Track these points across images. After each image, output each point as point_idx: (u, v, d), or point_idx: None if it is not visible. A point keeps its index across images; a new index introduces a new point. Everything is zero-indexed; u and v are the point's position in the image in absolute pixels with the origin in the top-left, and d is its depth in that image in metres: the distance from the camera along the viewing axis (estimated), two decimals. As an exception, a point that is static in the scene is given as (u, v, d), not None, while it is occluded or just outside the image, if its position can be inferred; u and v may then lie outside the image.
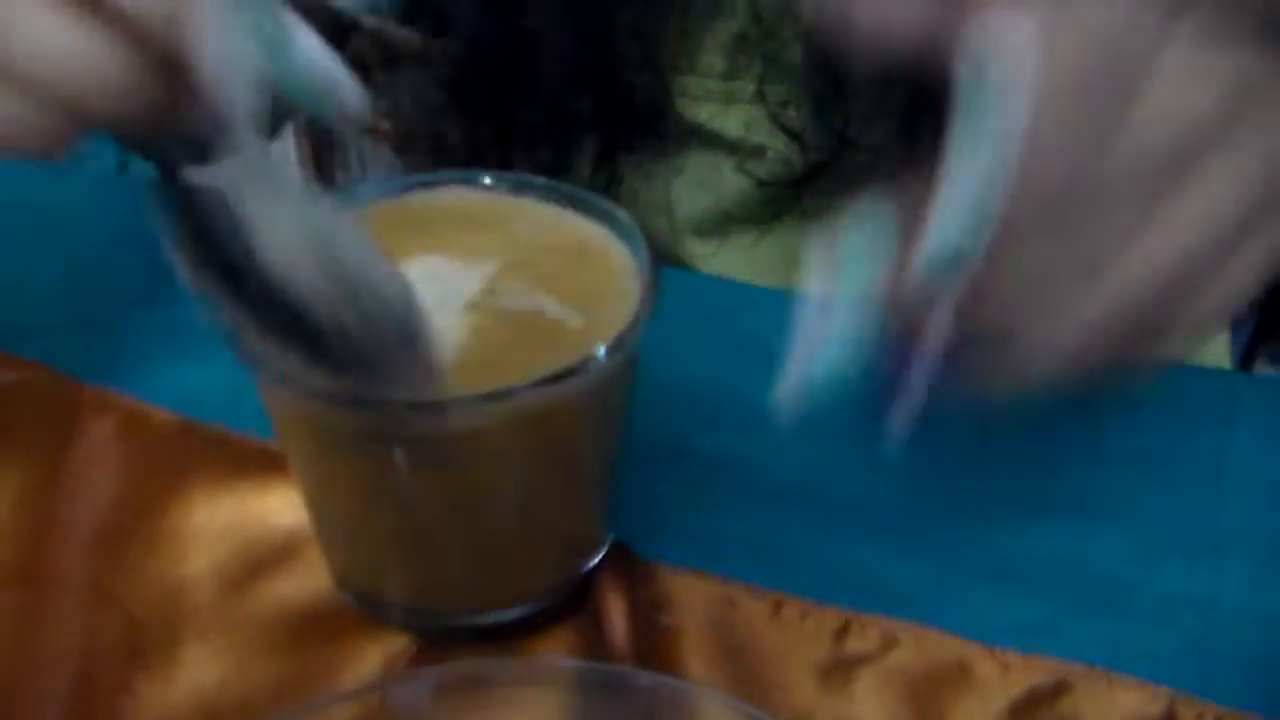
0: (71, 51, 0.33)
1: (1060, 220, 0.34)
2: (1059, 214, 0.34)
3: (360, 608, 0.44)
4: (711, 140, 0.65)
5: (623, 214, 0.42)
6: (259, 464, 0.48)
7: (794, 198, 0.63)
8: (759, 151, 0.64)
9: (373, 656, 0.43)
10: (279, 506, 0.47)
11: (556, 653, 0.42)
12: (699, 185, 0.67)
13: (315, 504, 0.43)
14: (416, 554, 0.42)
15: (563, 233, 0.43)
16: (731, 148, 0.65)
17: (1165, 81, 0.34)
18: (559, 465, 0.40)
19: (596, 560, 0.44)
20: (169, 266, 0.48)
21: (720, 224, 0.66)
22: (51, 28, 0.33)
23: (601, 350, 0.38)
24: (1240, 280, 0.36)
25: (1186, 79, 0.34)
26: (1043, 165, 0.33)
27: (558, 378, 0.37)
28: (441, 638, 0.43)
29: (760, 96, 0.62)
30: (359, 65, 0.59)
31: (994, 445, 0.49)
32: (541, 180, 0.44)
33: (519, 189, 0.44)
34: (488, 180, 0.44)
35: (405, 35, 0.67)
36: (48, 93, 0.33)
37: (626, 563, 0.44)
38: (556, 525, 0.42)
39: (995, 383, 0.36)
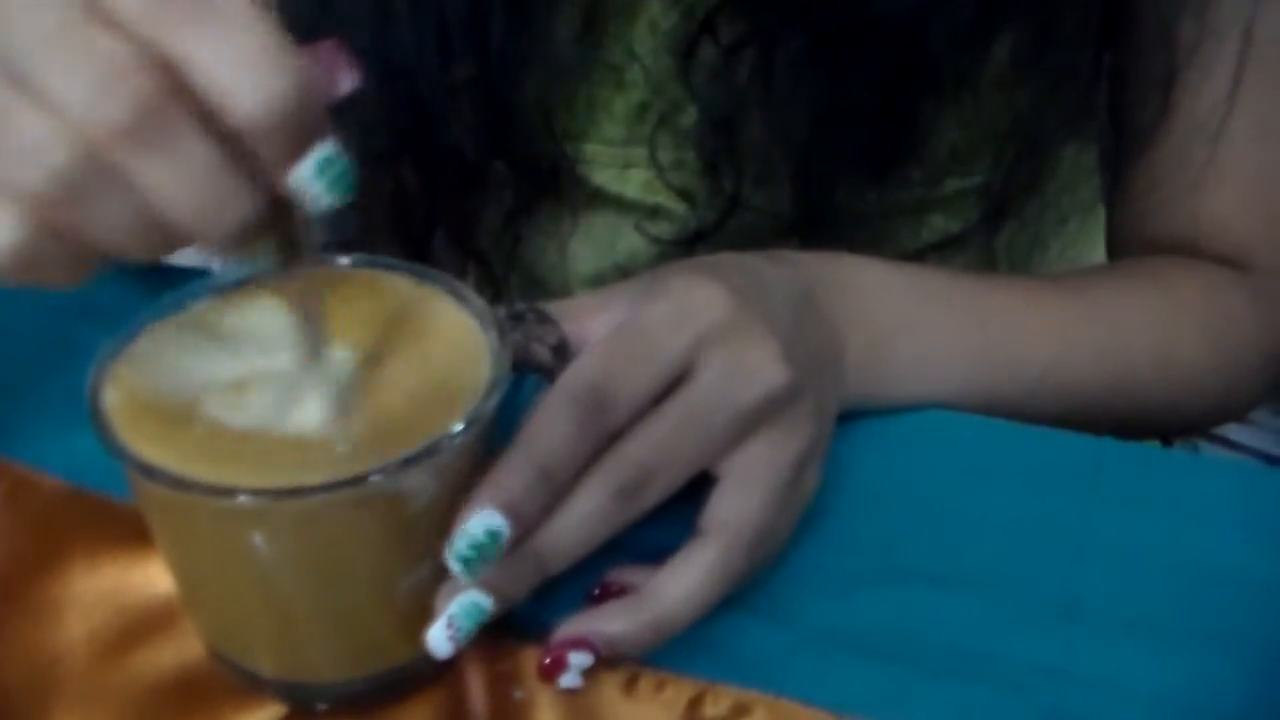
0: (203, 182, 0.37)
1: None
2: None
3: (231, 676, 0.46)
4: (611, 203, 0.68)
5: (468, 290, 0.45)
6: (142, 532, 0.49)
7: (687, 255, 0.66)
8: (655, 212, 0.67)
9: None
10: (157, 574, 0.49)
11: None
12: (598, 244, 0.69)
13: (182, 579, 0.45)
14: (280, 628, 0.44)
15: (422, 310, 0.45)
16: (630, 209, 0.67)
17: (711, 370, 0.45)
18: (412, 540, 0.42)
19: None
20: (62, 335, 0.51)
21: (616, 281, 0.69)
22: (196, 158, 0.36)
23: (455, 428, 0.40)
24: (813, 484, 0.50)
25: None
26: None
27: (410, 460, 0.39)
28: (310, 706, 0.45)
29: (654, 160, 0.64)
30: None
31: (849, 513, 0.51)
32: (401, 261, 0.46)
33: (381, 269, 0.46)
34: (346, 261, 0.46)
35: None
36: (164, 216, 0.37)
37: (486, 635, 0.46)
38: (413, 600, 0.44)
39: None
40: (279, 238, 0.40)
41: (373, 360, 0.43)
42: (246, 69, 0.35)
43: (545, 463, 0.43)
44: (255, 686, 0.45)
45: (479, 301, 0.45)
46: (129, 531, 0.50)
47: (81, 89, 0.35)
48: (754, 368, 0.46)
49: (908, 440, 0.55)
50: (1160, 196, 0.66)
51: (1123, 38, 0.66)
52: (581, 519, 0.43)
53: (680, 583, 0.45)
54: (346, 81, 0.39)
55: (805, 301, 0.52)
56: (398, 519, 0.41)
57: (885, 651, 0.48)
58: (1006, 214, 0.67)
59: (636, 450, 0.44)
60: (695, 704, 0.46)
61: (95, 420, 0.41)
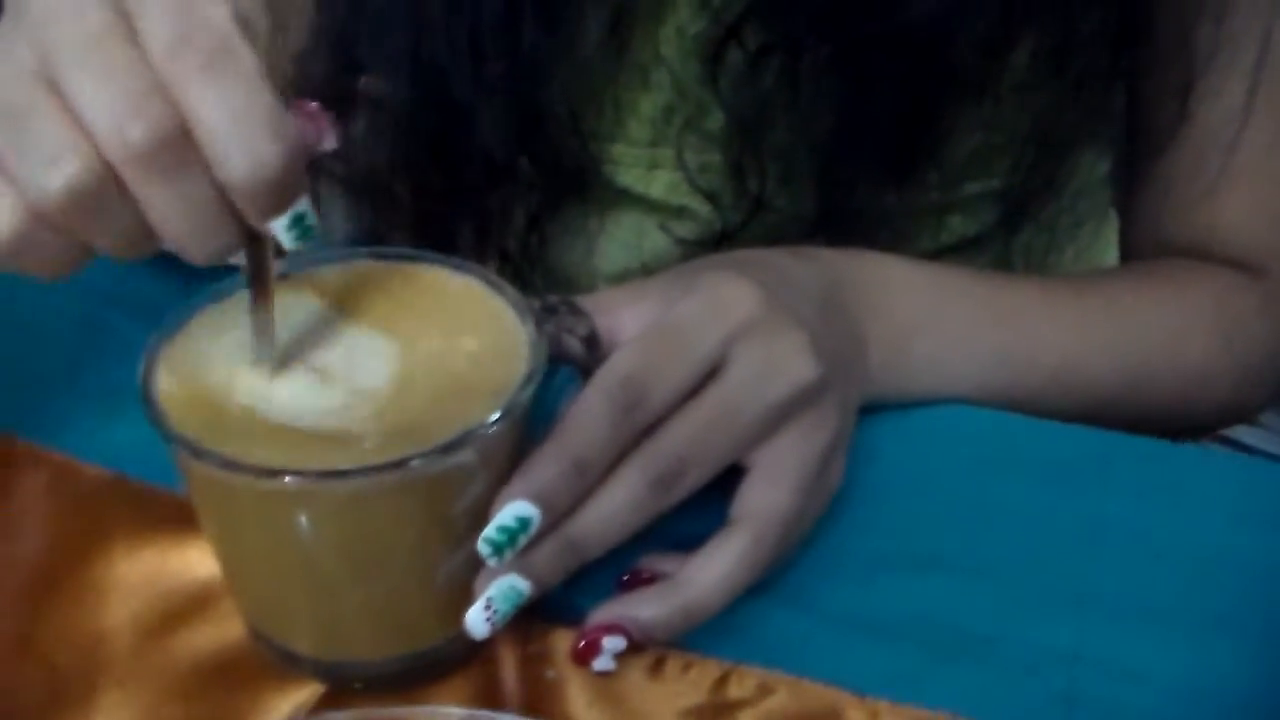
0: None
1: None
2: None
3: (271, 656, 0.48)
4: (637, 203, 0.70)
5: (509, 287, 0.47)
6: (181, 518, 0.52)
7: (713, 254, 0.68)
8: (680, 213, 0.69)
9: (282, 703, 0.47)
10: (197, 559, 0.51)
11: (452, 701, 0.47)
12: (624, 244, 0.71)
13: (226, 561, 0.47)
14: (321, 607, 0.46)
15: (458, 306, 0.47)
16: (655, 209, 0.70)
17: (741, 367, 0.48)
18: (451, 525, 0.44)
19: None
20: (100, 326, 0.53)
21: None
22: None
23: (491, 417, 0.42)
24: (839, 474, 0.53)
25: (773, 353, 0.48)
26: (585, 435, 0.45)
27: (449, 447, 0.41)
28: (346, 686, 0.47)
29: (680, 162, 0.66)
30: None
31: (870, 502, 0.53)
32: (436, 254, 0.48)
33: (417, 262, 0.48)
34: (385, 253, 0.49)
35: (363, 82, 0.71)
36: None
37: (519, 619, 0.48)
38: (450, 582, 0.46)
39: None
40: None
41: (413, 350, 0.45)
42: (243, 132, 0.38)
43: (579, 455, 0.45)
44: (294, 666, 0.48)
45: (514, 293, 0.47)
46: (169, 518, 0.53)
47: (110, 103, 0.38)
48: (784, 362, 0.48)
49: (926, 433, 0.57)
50: (1174, 201, 0.68)
51: (1141, 45, 0.68)
52: (617, 508, 0.46)
53: (711, 570, 0.47)
54: (329, 141, 0.42)
55: (830, 297, 0.54)
56: (436, 504, 0.43)
57: (903, 635, 0.50)
58: (1024, 217, 0.69)
59: (671, 443, 0.46)
60: (720, 684, 0.48)
61: (146, 405, 0.43)
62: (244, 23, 0.39)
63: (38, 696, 0.47)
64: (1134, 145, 0.71)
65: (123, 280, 0.48)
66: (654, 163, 0.68)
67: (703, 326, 0.47)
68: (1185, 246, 0.68)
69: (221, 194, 0.40)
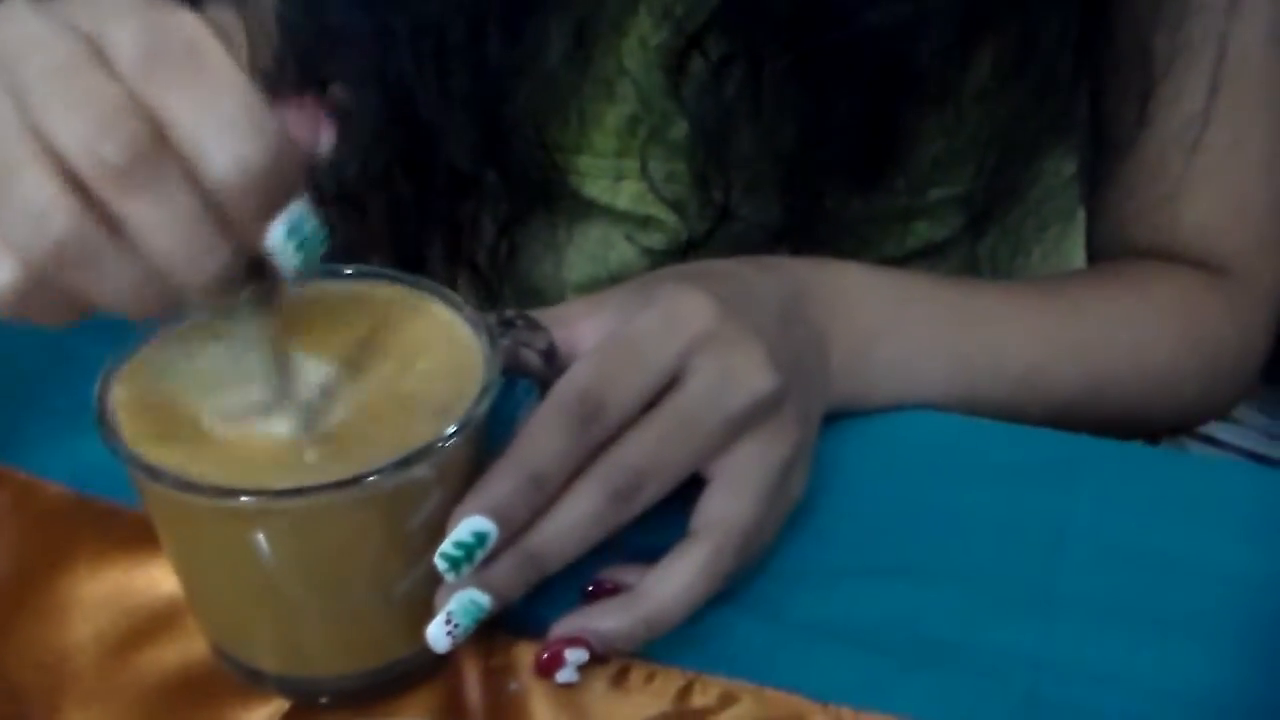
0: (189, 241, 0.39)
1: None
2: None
3: (235, 673, 0.48)
4: (603, 213, 0.70)
5: (465, 303, 0.48)
6: (143, 536, 0.52)
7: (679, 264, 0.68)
8: (646, 223, 0.70)
9: (248, 716, 0.47)
10: (160, 576, 0.52)
11: (416, 714, 0.47)
12: (591, 255, 0.72)
13: (186, 579, 0.48)
14: (282, 624, 0.46)
15: (414, 319, 0.48)
16: (621, 220, 0.70)
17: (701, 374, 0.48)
18: (409, 541, 0.45)
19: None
20: (64, 347, 0.53)
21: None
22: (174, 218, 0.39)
23: (447, 432, 0.43)
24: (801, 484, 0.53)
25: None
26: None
27: (404, 462, 0.42)
28: (311, 702, 0.48)
29: (645, 173, 0.67)
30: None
31: (832, 510, 0.54)
32: (394, 272, 0.49)
33: (373, 280, 0.49)
34: (348, 271, 0.49)
35: (330, 91, 0.72)
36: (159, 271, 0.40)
37: (482, 632, 0.48)
38: (410, 597, 0.46)
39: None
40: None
41: (368, 366, 0.46)
42: (223, 131, 0.38)
43: (536, 468, 0.45)
44: (258, 683, 0.48)
45: (470, 309, 0.47)
46: (132, 536, 0.53)
47: (80, 128, 0.37)
48: (741, 374, 0.48)
49: (888, 439, 0.58)
50: (1139, 204, 0.69)
51: (1101, 52, 0.68)
52: (576, 521, 0.46)
53: (672, 581, 0.48)
54: (325, 138, 0.41)
55: (791, 306, 0.55)
56: (394, 519, 0.44)
57: (866, 642, 0.50)
58: (989, 221, 0.70)
59: (629, 455, 0.47)
60: (684, 694, 0.48)
61: (101, 426, 0.44)
62: (216, 25, 0.39)
63: (1, 716, 0.47)
64: (1097, 149, 0.72)
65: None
66: (619, 173, 0.69)
67: (659, 338, 0.48)
68: (1150, 248, 0.69)
69: (209, 207, 0.39)
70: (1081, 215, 0.77)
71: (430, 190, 0.71)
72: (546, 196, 0.70)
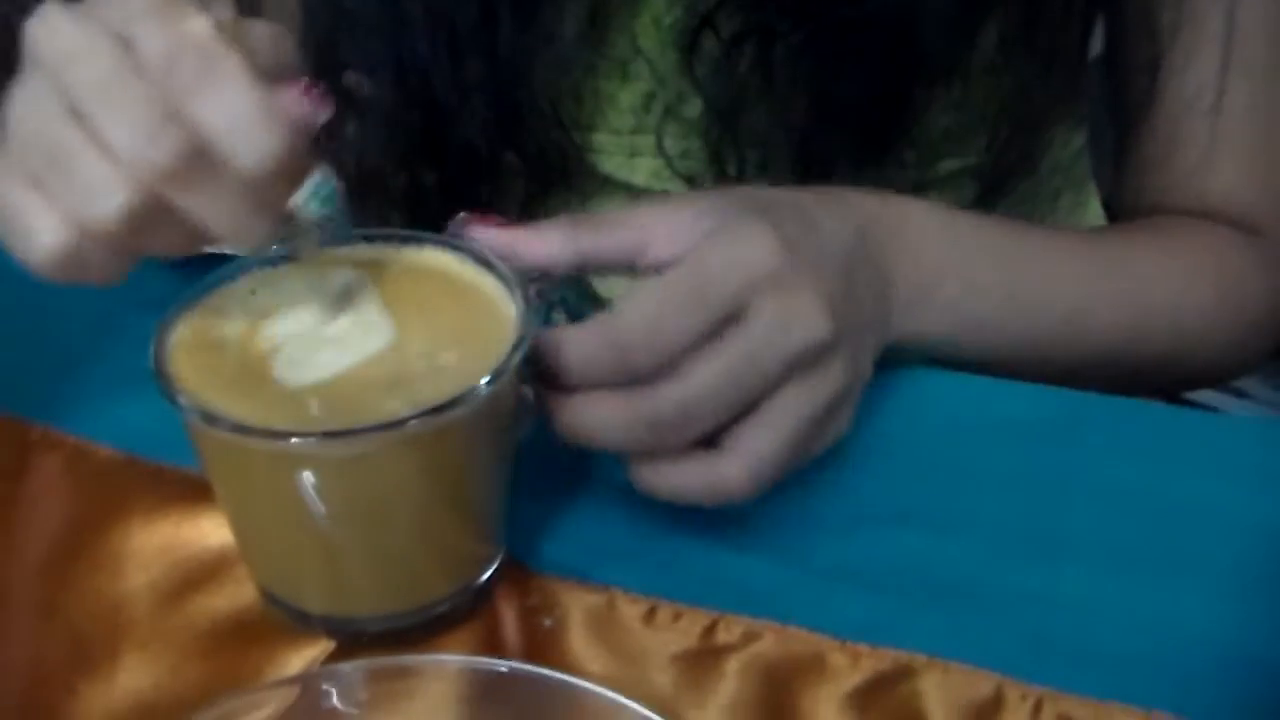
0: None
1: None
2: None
3: (282, 616, 0.52)
4: (620, 189, 0.74)
5: (498, 261, 0.51)
6: (192, 493, 0.56)
7: None
8: (663, 198, 0.73)
9: (294, 659, 0.51)
10: (209, 530, 0.55)
11: (456, 652, 0.50)
12: None
13: (237, 523, 0.51)
14: (328, 565, 0.50)
15: (453, 280, 0.52)
16: (638, 196, 0.74)
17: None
18: (449, 484, 0.49)
19: (490, 572, 0.52)
20: (111, 318, 0.57)
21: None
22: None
23: (483, 380, 0.46)
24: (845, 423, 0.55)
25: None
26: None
27: (443, 407, 0.45)
28: (355, 642, 0.51)
29: (660, 149, 0.71)
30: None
31: (848, 463, 0.57)
32: (435, 235, 0.53)
33: (417, 242, 0.53)
34: (393, 235, 0.53)
35: (354, 81, 0.75)
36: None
37: (518, 573, 0.52)
38: (450, 539, 0.50)
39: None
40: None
41: (415, 321, 0.50)
42: (240, 131, 0.44)
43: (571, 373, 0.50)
44: (304, 624, 0.51)
45: (506, 269, 0.51)
46: (181, 493, 0.57)
47: (132, 136, 0.44)
48: (799, 319, 0.51)
49: (905, 395, 0.62)
50: (1165, 173, 0.72)
51: (1108, 24, 0.72)
52: (611, 429, 0.50)
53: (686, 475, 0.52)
54: (323, 112, 0.47)
55: (856, 246, 0.56)
56: (435, 461, 0.48)
57: (882, 585, 0.54)
58: (1000, 193, 0.73)
59: (682, 391, 0.49)
60: (709, 631, 0.52)
61: (159, 378, 0.47)
62: (221, 28, 0.45)
63: (63, 659, 0.51)
64: (1115, 121, 0.76)
65: (133, 278, 0.52)
66: (635, 150, 0.72)
67: (724, 275, 0.50)
68: (1180, 212, 0.72)
69: (245, 188, 0.45)
70: (1091, 185, 0.81)
71: (451, 172, 0.75)
72: (565, 174, 0.74)
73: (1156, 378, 0.69)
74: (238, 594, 0.53)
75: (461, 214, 0.53)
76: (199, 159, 0.45)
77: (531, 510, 0.55)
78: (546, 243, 0.52)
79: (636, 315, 0.49)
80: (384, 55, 0.71)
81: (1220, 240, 0.70)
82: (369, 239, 0.53)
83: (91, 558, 0.55)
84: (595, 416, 0.50)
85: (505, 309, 0.50)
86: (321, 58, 0.73)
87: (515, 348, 0.48)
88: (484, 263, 0.52)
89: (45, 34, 0.46)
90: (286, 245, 0.50)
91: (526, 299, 0.50)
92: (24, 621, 0.52)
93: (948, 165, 0.72)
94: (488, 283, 0.51)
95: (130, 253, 0.48)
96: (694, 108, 0.70)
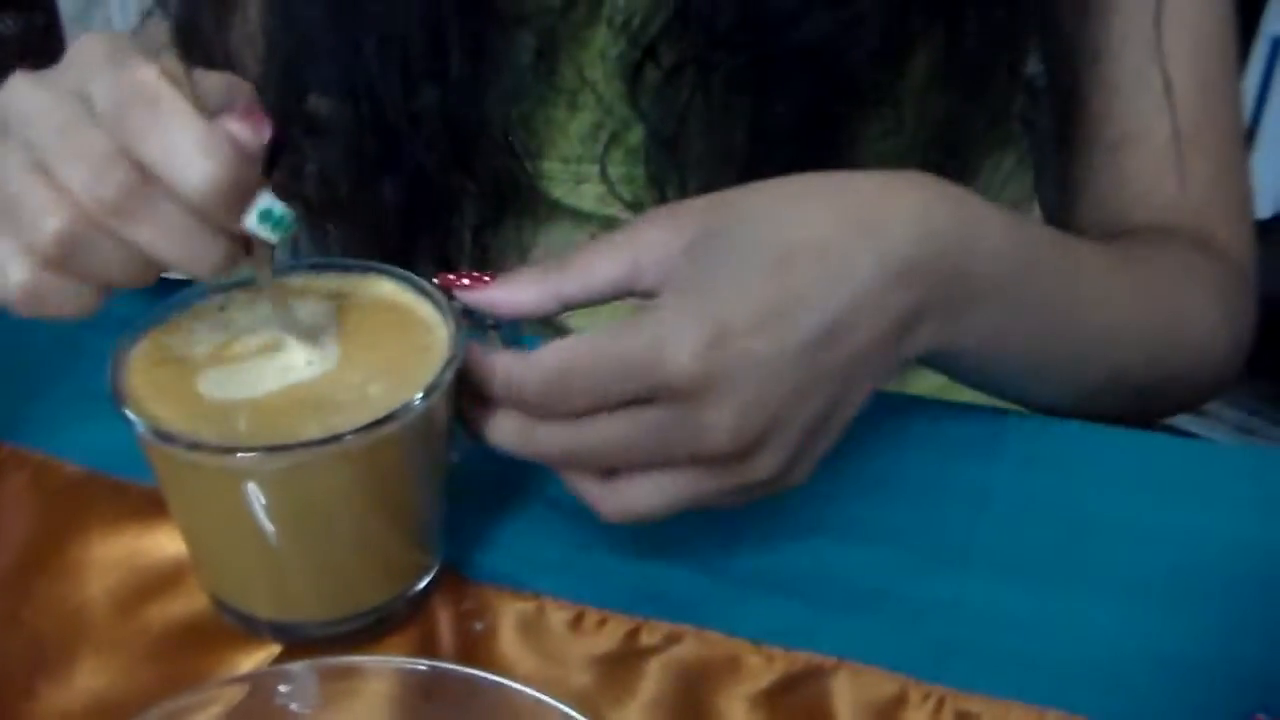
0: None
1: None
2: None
3: (232, 621, 0.56)
4: (568, 214, 0.78)
5: (432, 286, 0.56)
6: (149, 507, 0.61)
7: None
8: (609, 223, 0.78)
9: (243, 662, 0.55)
10: (165, 541, 0.60)
11: (395, 653, 0.55)
12: (558, 253, 0.80)
13: (188, 534, 0.56)
14: (272, 574, 0.54)
15: (394, 303, 0.56)
16: (585, 220, 0.78)
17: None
18: (386, 497, 0.53)
19: (428, 580, 0.57)
20: (75, 341, 0.61)
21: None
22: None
23: (416, 397, 0.51)
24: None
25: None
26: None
27: (379, 422, 0.50)
28: (300, 646, 0.56)
29: (604, 176, 0.75)
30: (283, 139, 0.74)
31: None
32: (377, 264, 0.57)
33: (362, 270, 0.58)
34: (332, 264, 0.58)
35: (311, 101, 0.80)
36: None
37: (455, 581, 0.57)
38: (388, 549, 0.54)
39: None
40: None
41: (353, 342, 0.54)
42: (187, 163, 0.48)
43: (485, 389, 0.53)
44: (253, 629, 0.56)
45: (438, 295, 0.55)
46: (140, 507, 0.61)
47: (82, 175, 0.49)
48: (708, 428, 0.51)
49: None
50: (1120, 195, 0.77)
51: (1044, 51, 0.77)
52: (511, 448, 0.54)
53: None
54: (265, 131, 0.51)
55: (864, 294, 0.53)
56: (372, 475, 0.52)
57: (797, 592, 0.58)
58: None
59: (569, 439, 0.53)
60: (632, 635, 0.56)
61: (115, 396, 0.52)
62: (168, 74, 0.50)
63: (25, 662, 0.55)
64: (1061, 144, 0.80)
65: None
66: (581, 177, 0.77)
67: (637, 370, 0.51)
68: (1147, 229, 0.76)
69: (195, 216, 0.50)
70: (1029, 206, 0.86)
71: (408, 196, 0.79)
72: (516, 200, 0.78)
73: (1170, 397, 0.73)
74: (190, 602, 0.58)
75: (435, 278, 0.56)
76: (147, 193, 0.49)
77: (468, 522, 0.60)
78: (524, 296, 0.55)
79: (538, 372, 0.52)
80: (340, 81, 0.75)
81: (1210, 260, 0.74)
82: (320, 267, 0.58)
83: (53, 568, 0.59)
84: (500, 433, 0.54)
85: (438, 332, 0.54)
86: (284, 83, 0.77)
87: (446, 367, 0.52)
88: (420, 289, 0.56)
89: (11, 99, 0.52)
90: (242, 273, 0.54)
91: (458, 323, 0.54)
92: (-13, 628, 0.57)
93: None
94: (423, 308, 0.56)
95: (87, 283, 0.52)
96: (637, 135, 0.74)
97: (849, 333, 0.53)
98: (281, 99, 0.77)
